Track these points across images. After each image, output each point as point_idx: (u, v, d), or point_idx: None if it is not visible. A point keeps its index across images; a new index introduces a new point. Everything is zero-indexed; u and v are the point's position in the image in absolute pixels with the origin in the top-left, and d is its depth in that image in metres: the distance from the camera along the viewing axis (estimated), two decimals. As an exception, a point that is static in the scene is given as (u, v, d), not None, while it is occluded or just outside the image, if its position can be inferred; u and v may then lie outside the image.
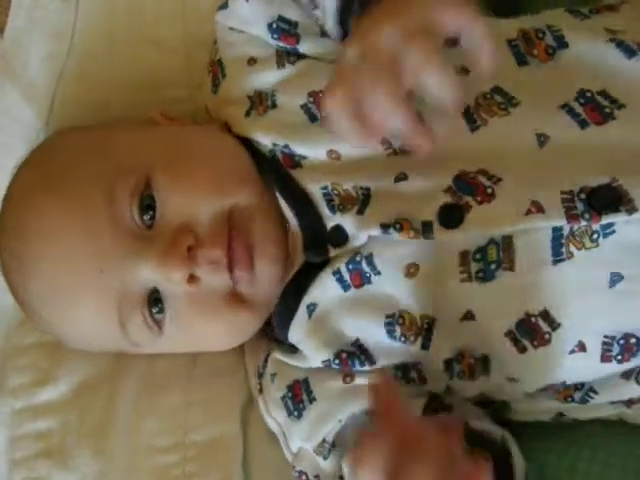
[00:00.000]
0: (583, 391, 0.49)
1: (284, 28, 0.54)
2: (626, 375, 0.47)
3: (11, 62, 0.66)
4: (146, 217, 0.50)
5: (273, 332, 0.55)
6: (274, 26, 0.54)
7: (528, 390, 0.49)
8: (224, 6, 0.57)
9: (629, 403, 0.49)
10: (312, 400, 0.51)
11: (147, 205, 0.50)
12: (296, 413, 0.51)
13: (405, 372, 0.50)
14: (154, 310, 0.51)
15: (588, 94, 0.46)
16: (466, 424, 0.46)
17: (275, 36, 0.54)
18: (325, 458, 0.51)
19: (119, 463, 0.58)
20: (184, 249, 0.48)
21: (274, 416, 0.53)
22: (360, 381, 0.49)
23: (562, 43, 0.49)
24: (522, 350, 0.46)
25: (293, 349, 0.53)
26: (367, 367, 0.49)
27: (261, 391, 0.55)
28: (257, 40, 0.56)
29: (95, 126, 0.59)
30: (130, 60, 0.63)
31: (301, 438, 0.52)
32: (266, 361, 0.56)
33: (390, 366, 0.49)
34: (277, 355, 0.54)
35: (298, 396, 0.51)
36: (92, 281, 0.51)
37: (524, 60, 0.49)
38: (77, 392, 0.60)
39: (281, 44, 0.54)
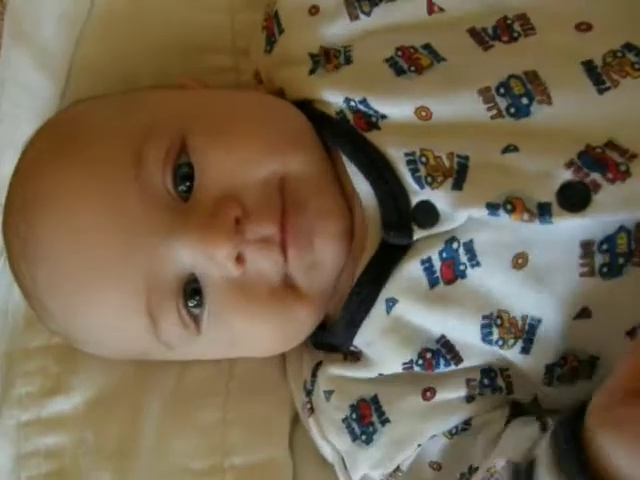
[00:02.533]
0: None
1: None
2: None
3: (21, 21, 0.59)
4: (182, 187, 0.43)
5: (323, 336, 0.47)
6: None
7: None
8: None
9: None
10: (385, 422, 0.44)
11: (183, 173, 0.42)
12: (364, 437, 0.44)
13: (492, 379, 0.43)
14: (191, 304, 0.43)
15: None
16: None
17: None
18: None
19: None
20: (231, 220, 0.40)
21: (332, 442, 0.46)
22: (443, 396, 0.42)
23: None
24: None
25: (353, 358, 0.45)
26: (453, 367, 0.42)
27: (312, 410, 0.47)
28: None
29: (120, 94, 0.51)
30: (162, 21, 0.56)
31: (370, 466, 0.45)
32: (314, 375, 0.48)
33: (477, 369, 0.42)
34: (332, 367, 0.46)
35: (366, 417, 0.44)
36: (114, 265, 0.43)
37: None
38: (94, 404, 0.54)
39: None
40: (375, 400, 0.44)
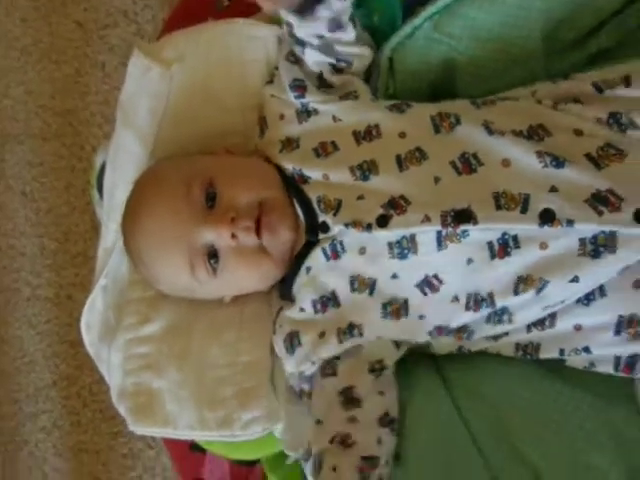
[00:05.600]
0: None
1: (297, 85, 0.82)
2: None
3: (127, 113, 0.89)
4: (209, 203, 0.76)
5: (281, 288, 0.81)
6: (291, 85, 0.82)
7: None
8: (270, 82, 0.87)
9: None
10: (298, 344, 0.78)
11: (211, 196, 0.76)
12: (291, 349, 0.79)
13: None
14: (212, 261, 0.77)
15: (466, 155, 0.72)
16: None
17: (293, 91, 0.81)
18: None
19: (192, 374, 0.84)
20: (229, 219, 0.74)
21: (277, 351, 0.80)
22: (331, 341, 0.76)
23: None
24: None
25: (291, 301, 0.79)
26: (335, 309, 0.76)
27: (274, 332, 0.81)
28: (284, 102, 0.82)
29: (180, 157, 0.85)
30: (206, 120, 0.87)
31: (291, 367, 0.79)
32: (277, 315, 0.81)
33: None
34: (284, 311, 0.79)
35: (292, 340, 0.78)
36: (174, 240, 0.77)
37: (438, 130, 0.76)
38: (166, 330, 0.87)
39: (297, 93, 0.81)
40: (297, 333, 0.78)
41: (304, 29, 0.80)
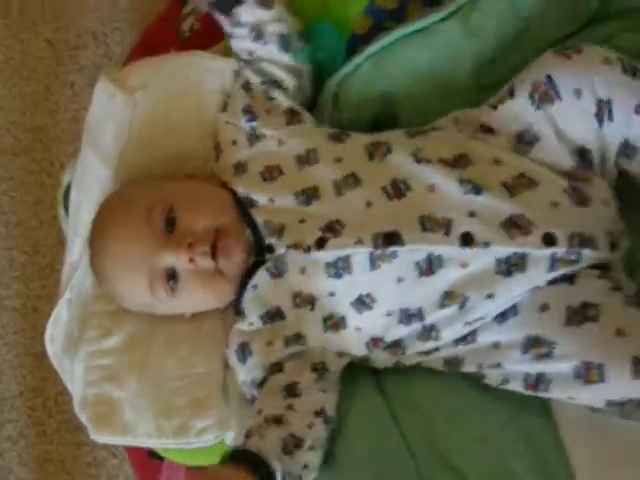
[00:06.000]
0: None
1: (247, 110, 0.89)
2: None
3: (93, 136, 0.95)
4: (169, 228, 0.82)
5: (235, 306, 0.86)
6: (243, 110, 0.89)
7: None
8: (224, 109, 0.93)
9: None
10: (249, 354, 0.83)
11: (170, 221, 0.82)
12: (242, 357, 0.84)
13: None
14: (171, 282, 0.82)
15: (396, 181, 0.79)
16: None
17: (244, 116, 0.88)
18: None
19: (150, 385, 0.88)
20: (187, 244, 0.80)
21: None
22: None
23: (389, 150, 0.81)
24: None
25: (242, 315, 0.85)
26: (281, 321, 0.82)
27: (227, 346, 0.86)
28: (237, 128, 0.89)
29: (143, 180, 0.93)
30: (167, 146, 0.93)
31: (243, 376, 0.83)
32: (231, 329, 0.86)
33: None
34: (236, 324, 0.85)
35: (243, 350, 0.84)
36: (136, 262, 0.83)
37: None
38: (127, 342, 0.91)
39: (247, 118, 0.88)
40: (248, 343, 0.84)
41: (235, 42, 0.90)
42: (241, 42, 0.91)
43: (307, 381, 0.80)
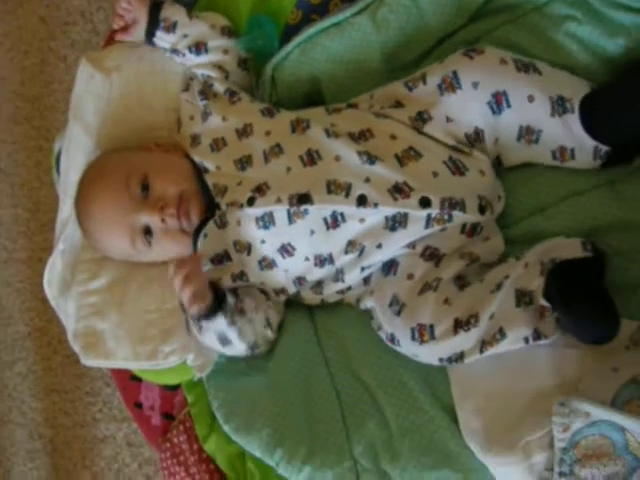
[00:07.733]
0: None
1: (202, 92, 1.05)
2: None
3: (77, 109, 1.10)
4: (144, 193, 0.98)
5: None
6: (199, 92, 1.05)
7: None
8: (186, 89, 1.10)
9: None
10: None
11: (144, 187, 0.98)
12: None
13: None
14: (147, 236, 0.99)
15: (310, 151, 0.94)
16: None
17: (199, 96, 1.04)
18: None
19: (128, 318, 1.04)
20: (159, 207, 0.96)
21: None
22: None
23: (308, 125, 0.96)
24: None
25: None
26: (228, 262, 1.01)
27: None
28: (194, 106, 1.05)
29: (122, 150, 1.07)
30: (138, 118, 1.08)
31: None
32: None
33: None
34: None
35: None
36: (118, 221, 0.98)
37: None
38: (110, 283, 1.07)
39: (201, 97, 1.03)
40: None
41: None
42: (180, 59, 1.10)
43: (258, 298, 1.00)
